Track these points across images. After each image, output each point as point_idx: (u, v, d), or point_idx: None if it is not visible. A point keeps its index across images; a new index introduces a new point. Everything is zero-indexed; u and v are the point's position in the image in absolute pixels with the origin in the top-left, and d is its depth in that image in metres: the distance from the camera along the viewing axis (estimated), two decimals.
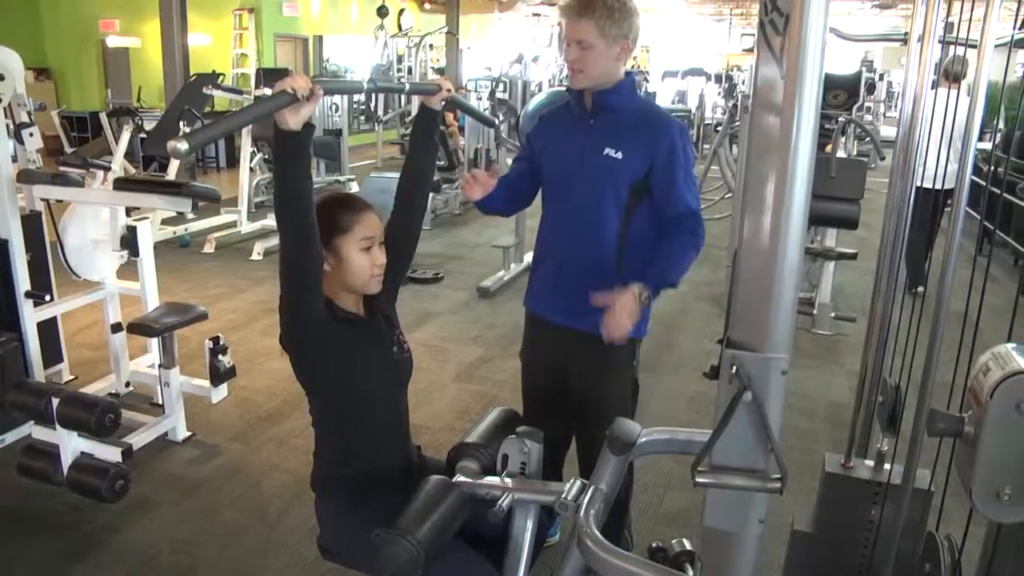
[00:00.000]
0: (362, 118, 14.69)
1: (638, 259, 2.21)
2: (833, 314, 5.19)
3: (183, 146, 1.28)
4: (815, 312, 5.19)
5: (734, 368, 1.00)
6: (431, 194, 7.41)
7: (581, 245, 2.26)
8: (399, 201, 2.02)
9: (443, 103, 2.02)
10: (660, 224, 2.23)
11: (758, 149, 1.03)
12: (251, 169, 8.18)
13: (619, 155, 2.17)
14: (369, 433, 1.86)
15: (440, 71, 16.35)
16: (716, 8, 23.18)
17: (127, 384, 3.95)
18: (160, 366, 3.52)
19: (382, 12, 8.99)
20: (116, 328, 3.82)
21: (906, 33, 2.27)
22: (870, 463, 1.77)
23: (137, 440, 3.27)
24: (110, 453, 3.00)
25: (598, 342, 2.13)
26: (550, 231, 2.36)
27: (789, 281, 1.00)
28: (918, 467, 1.50)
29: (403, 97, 11.07)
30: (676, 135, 2.20)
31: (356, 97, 13.71)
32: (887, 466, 1.71)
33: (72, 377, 4.09)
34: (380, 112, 12.59)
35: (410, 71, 13.78)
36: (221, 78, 8.32)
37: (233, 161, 11.16)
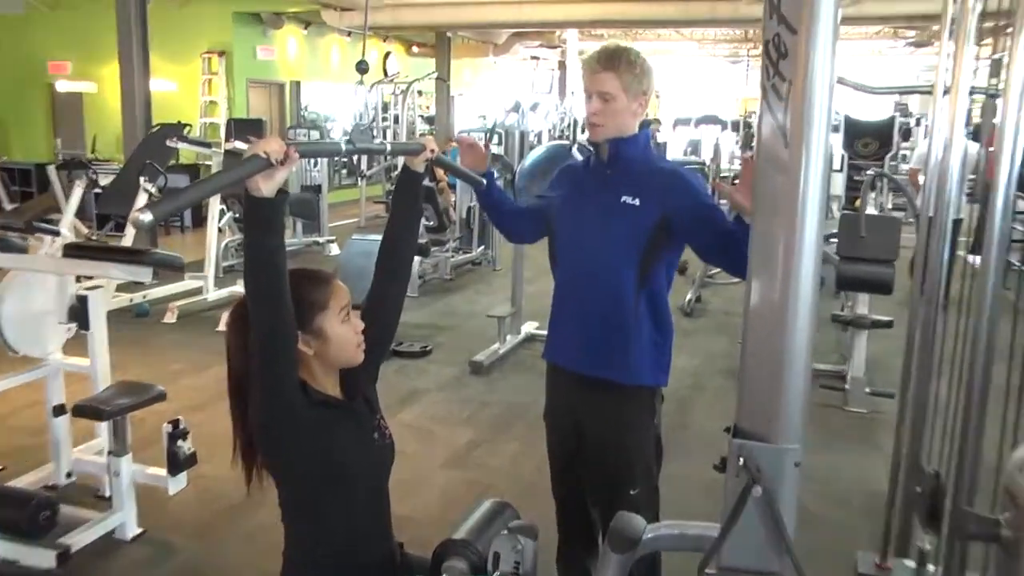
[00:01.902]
0: (344, 172, 14.85)
1: (654, 307, 2.42)
2: (868, 389, 5.18)
3: (147, 217, 1.31)
4: (847, 387, 5.19)
5: (741, 460, 1.01)
6: (419, 258, 7.45)
7: (600, 292, 2.44)
8: (380, 267, 2.03)
9: (427, 164, 2.07)
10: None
11: (764, 212, 1.06)
12: (220, 230, 8.22)
13: (636, 202, 2.38)
14: (345, 528, 1.85)
15: (430, 120, 16.60)
16: (732, 49, 23.56)
17: (68, 474, 3.89)
18: (109, 453, 3.49)
19: (362, 68, 8.93)
20: (59, 410, 3.79)
21: (932, 84, 2.33)
22: (911, 563, 1.75)
23: (77, 540, 3.22)
24: (42, 558, 2.93)
25: (617, 391, 2.38)
26: (569, 279, 2.55)
27: (800, 359, 1.01)
28: (967, 570, 1.49)
29: None
30: (692, 179, 2.47)
31: None
32: (930, 567, 1.69)
33: (1, 468, 4.04)
34: (364, 166, 12.65)
35: (396, 120, 13.94)
36: (188, 129, 8.42)
37: (200, 220, 11.19)
